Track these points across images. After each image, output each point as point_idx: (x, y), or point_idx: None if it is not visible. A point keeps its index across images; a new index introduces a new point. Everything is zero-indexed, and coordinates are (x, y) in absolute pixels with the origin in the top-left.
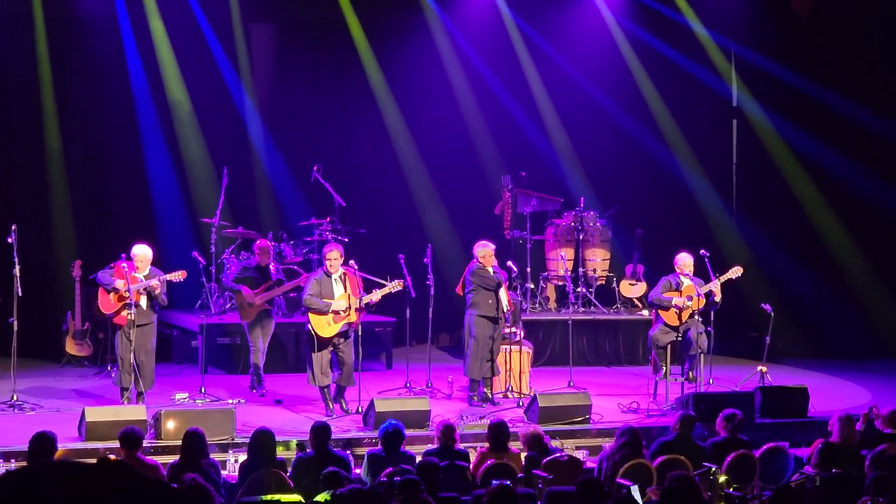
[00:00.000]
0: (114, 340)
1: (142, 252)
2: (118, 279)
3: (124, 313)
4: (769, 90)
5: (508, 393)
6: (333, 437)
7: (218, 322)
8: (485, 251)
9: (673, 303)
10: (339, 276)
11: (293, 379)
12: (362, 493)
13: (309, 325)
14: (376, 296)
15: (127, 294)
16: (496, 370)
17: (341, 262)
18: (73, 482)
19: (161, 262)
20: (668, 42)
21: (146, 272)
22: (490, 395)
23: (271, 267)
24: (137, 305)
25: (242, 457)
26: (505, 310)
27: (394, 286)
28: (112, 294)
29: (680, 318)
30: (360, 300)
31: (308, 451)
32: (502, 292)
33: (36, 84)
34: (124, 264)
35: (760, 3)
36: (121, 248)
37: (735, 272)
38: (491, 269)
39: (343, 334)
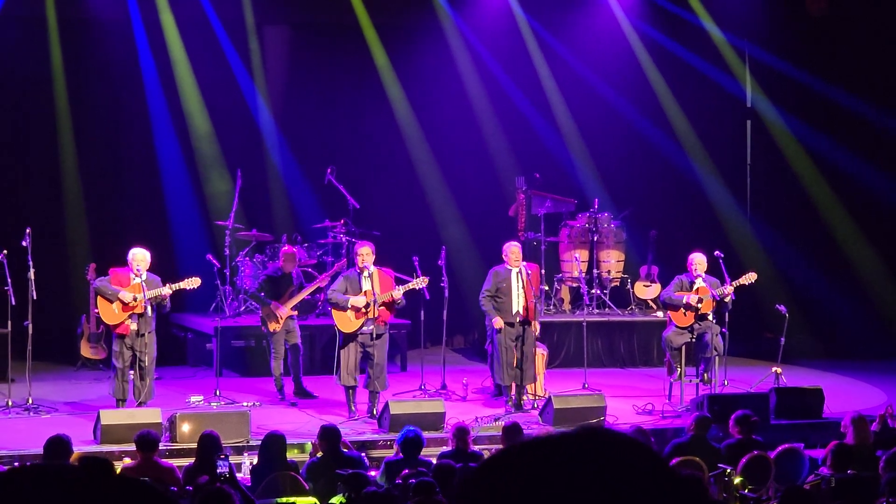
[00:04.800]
0: (111, 350)
1: (142, 255)
2: (123, 289)
3: (127, 322)
4: (783, 91)
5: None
6: (349, 439)
7: (233, 325)
8: (507, 248)
9: (684, 301)
10: (370, 274)
11: (316, 381)
12: (378, 495)
13: (333, 322)
14: (398, 292)
15: (133, 303)
16: (531, 377)
17: (373, 258)
18: (52, 484)
19: (175, 266)
20: (682, 43)
21: (144, 276)
22: (521, 402)
23: (293, 273)
24: (143, 314)
25: (256, 459)
26: (521, 311)
27: (418, 282)
28: (116, 304)
29: (696, 316)
30: (384, 296)
31: (319, 454)
32: (519, 293)
33: (49, 87)
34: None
35: (774, 2)
36: None
37: (749, 278)
38: (517, 269)
39: (372, 334)
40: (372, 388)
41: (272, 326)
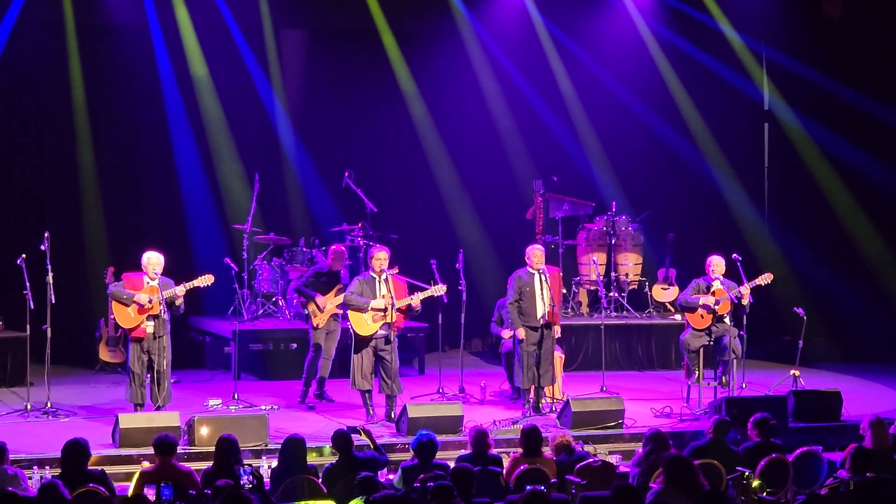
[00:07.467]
0: (127, 354)
1: (157, 258)
2: (138, 292)
3: (144, 325)
4: (801, 93)
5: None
6: (366, 442)
7: (251, 328)
8: (529, 251)
9: (700, 303)
10: (385, 279)
11: (334, 384)
12: (396, 498)
13: (349, 324)
14: (416, 299)
15: (149, 305)
16: (549, 380)
17: (387, 263)
18: None
19: (193, 269)
20: (699, 45)
21: (157, 280)
22: (539, 405)
23: (341, 271)
24: (158, 317)
25: (276, 463)
26: (545, 315)
27: (436, 290)
28: (132, 307)
29: (713, 318)
30: (402, 301)
31: (334, 460)
32: (543, 296)
33: (68, 92)
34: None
35: (791, 5)
36: None
37: (765, 279)
38: (538, 272)
39: (385, 338)
40: (388, 391)
41: (316, 321)
